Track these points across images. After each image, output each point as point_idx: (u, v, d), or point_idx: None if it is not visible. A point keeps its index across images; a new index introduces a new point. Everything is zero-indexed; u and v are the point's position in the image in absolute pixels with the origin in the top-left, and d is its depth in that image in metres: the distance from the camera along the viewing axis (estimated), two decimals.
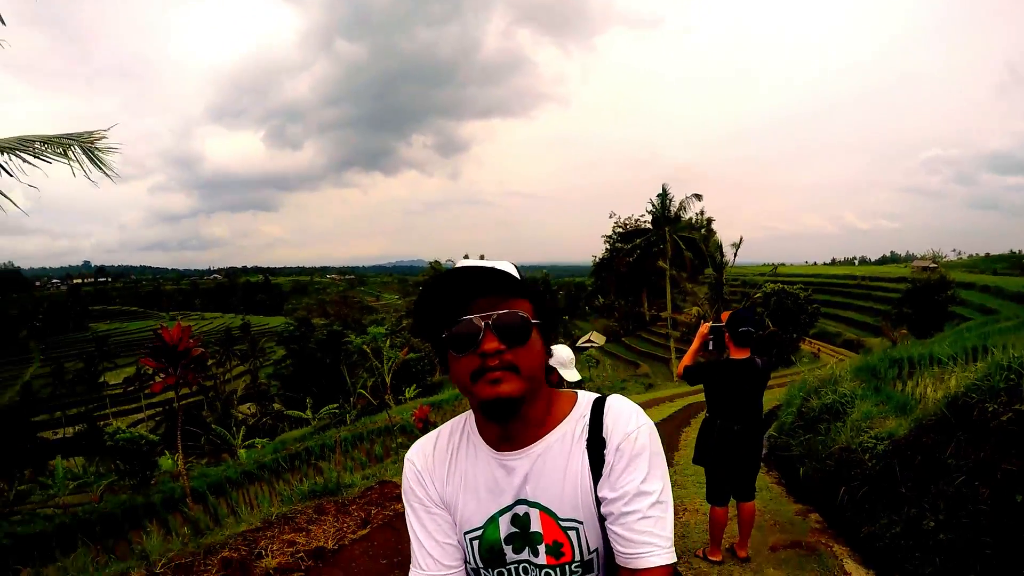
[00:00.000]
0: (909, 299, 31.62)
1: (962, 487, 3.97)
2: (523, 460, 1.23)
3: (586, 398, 1.28)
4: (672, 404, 17.88)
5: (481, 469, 1.27)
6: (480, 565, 1.29)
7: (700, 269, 46.19)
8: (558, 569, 1.23)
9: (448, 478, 1.30)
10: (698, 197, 47.74)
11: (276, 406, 48.01)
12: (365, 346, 24.67)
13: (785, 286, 35.54)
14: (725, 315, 4.69)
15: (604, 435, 1.20)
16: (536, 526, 1.22)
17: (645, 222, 55.67)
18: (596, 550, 1.22)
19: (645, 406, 17.34)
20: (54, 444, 57.91)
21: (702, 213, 61.57)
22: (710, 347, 4.67)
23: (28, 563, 10.38)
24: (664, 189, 49.96)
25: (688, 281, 49.14)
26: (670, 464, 8.58)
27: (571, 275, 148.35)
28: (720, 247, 42.86)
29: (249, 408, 57.00)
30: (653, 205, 52.64)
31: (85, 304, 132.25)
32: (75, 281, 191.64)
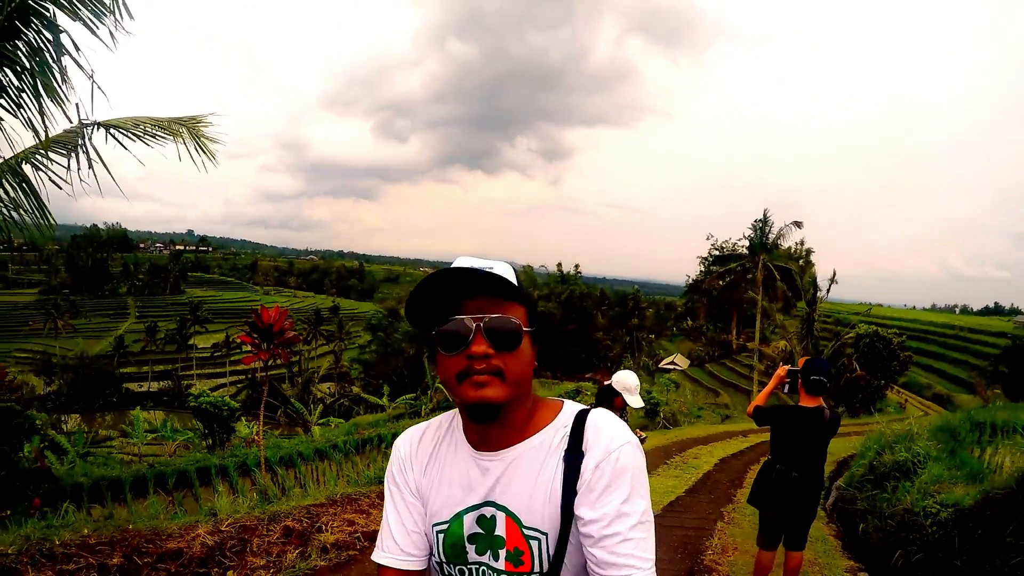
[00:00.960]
0: (1007, 357, 29.84)
1: (1017, 568, 3.76)
2: (497, 463, 1.23)
3: (570, 409, 1.26)
4: (745, 439, 17.40)
5: (458, 465, 1.27)
6: (443, 559, 1.29)
7: (793, 302, 44.82)
8: None
9: (427, 469, 1.31)
10: (798, 225, 46.22)
11: (355, 389, 49.41)
12: None
13: (879, 329, 34.25)
14: (802, 360, 4.71)
15: (583, 448, 1.17)
16: (500, 530, 1.21)
17: (742, 247, 54.39)
18: (556, 565, 1.19)
19: (717, 438, 17.26)
20: (138, 396, 61.63)
21: (802, 243, 59.68)
22: (785, 390, 4.71)
23: (101, 503, 11.09)
24: (765, 215, 48.59)
25: (780, 313, 47.70)
26: (730, 501, 8.51)
27: (662, 293, 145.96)
28: (815, 281, 41.37)
29: (328, 387, 58.62)
30: (751, 230, 51.46)
31: (184, 270, 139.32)
32: (177, 247, 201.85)
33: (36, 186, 4.94)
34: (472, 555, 1.24)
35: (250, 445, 15.99)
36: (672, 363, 55.92)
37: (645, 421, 23.39)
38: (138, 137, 4.91)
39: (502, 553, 1.21)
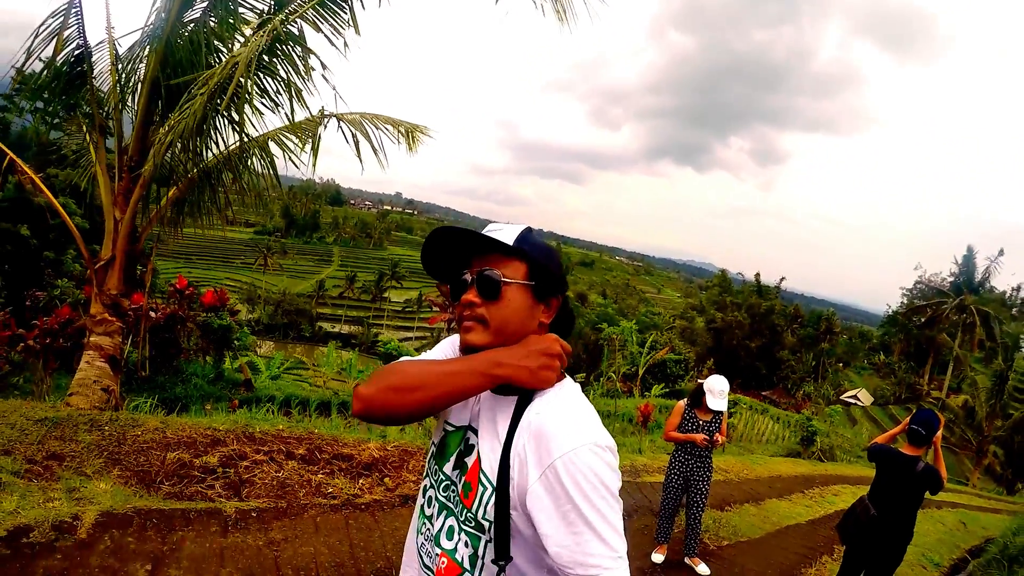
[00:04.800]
0: None
1: None
2: (490, 401, 1.30)
3: (554, 392, 1.26)
4: None
5: None
6: (433, 451, 1.41)
7: (994, 352, 40.18)
8: (461, 508, 1.27)
9: None
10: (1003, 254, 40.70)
11: None
12: (614, 335, 25.32)
13: None
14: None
15: (523, 451, 1.18)
16: (470, 460, 1.28)
17: (949, 282, 49.67)
18: (490, 522, 1.20)
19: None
20: (329, 335, 67.76)
21: (1019, 289, 53.03)
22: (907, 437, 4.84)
23: (288, 416, 13.02)
24: (969, 250, 43.85)
25: (981, 364, 42.89)
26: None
27: (859, 320, 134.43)
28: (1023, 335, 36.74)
29: None
30: (955, 264, 46.68)
31: (389, 228, 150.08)
32: (385, 207, 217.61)
33: (275, 159, 6.56)
34: (448, 468, 1.34)
35: None
36: (855, 397, 51.99)
37: (799, 448, 22.53)
38: (356, 127, 6.35)
39: (462, 480, 1.29)
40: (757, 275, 66.62)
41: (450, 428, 1.37)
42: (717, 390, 5.40)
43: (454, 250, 1.31)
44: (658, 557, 5.79)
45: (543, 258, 1.29)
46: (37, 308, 11.44)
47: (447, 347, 1.48)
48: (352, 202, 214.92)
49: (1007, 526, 9.26)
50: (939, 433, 4.64)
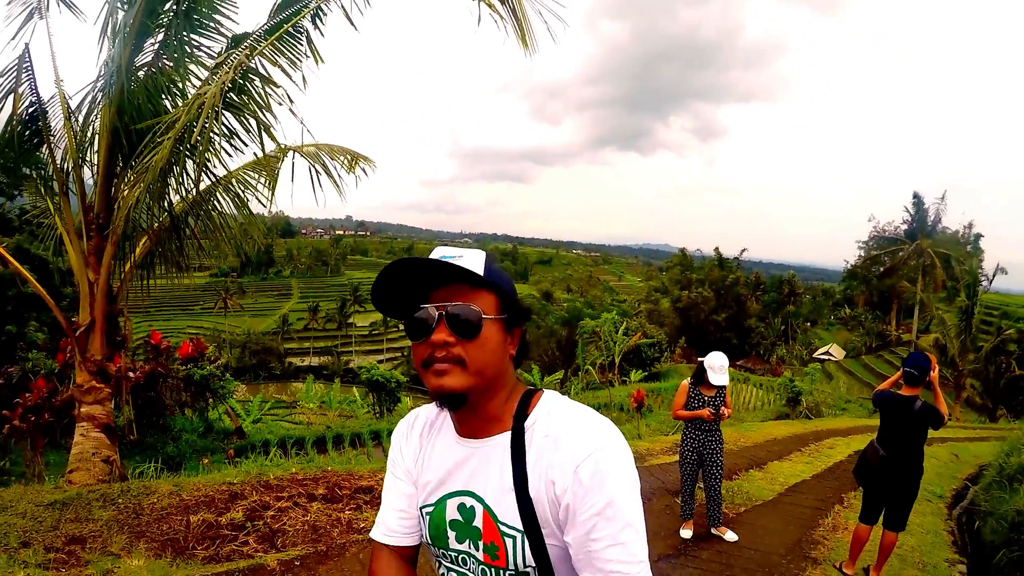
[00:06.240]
0: None
1: None
2: (474, 453, 1.21)
3: (543, 405, 1.20)
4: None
5: (445, 450, 1.27)
6: (429, 541, 1.29)
7: (956, 291, 41.43)
8: (494, 570, 1.18)
9: (419, 450, 1.33)
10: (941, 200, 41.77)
11: None
12: (597, 328, 25.56)
13: None
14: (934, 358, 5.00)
15: (535, 460, 1.13)
16: (478, 522, 1.19)
17: (903, 230, 51.04)
18: (533, 567, 1.14)
19: (858, 431, 16.41)
20: (299, 369, 67.09)
21: (970, 226, 54.67)
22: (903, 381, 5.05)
23: (285, 457, 12.83)
24: (916, 196, 45.10)
25: (944, 303, 44.23)
26: (855, 489, 8.46)
27: (820, 279, 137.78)
28: (980, 269, 37.87)
29: None
30: (907, 212, 48.01)
31: (344, 253, 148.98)
32: (337, 232, 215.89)
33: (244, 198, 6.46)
34: (453, 542, 1.23)
35: None
36: (827, 353, 53.02)
37: (786, 410, 22.97)
38: (314, 159, 6.28)
39: (480, 545, 1.19)
40: (716, 249, 67.71)
41: (429, 508, 1.27)
42: (718, 366, 5.65)
43: (408, 281, 1.16)
44: (686, 533, 5.99)
45: (509, 288, 1.20)
46: (11, 384, 11.02)
47: (403, 438, 1.37)
48: (303, 231, 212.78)
49: (998, 450, 9.59)
50: (934, 373, 4.86)
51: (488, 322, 1.13)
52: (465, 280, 1.14)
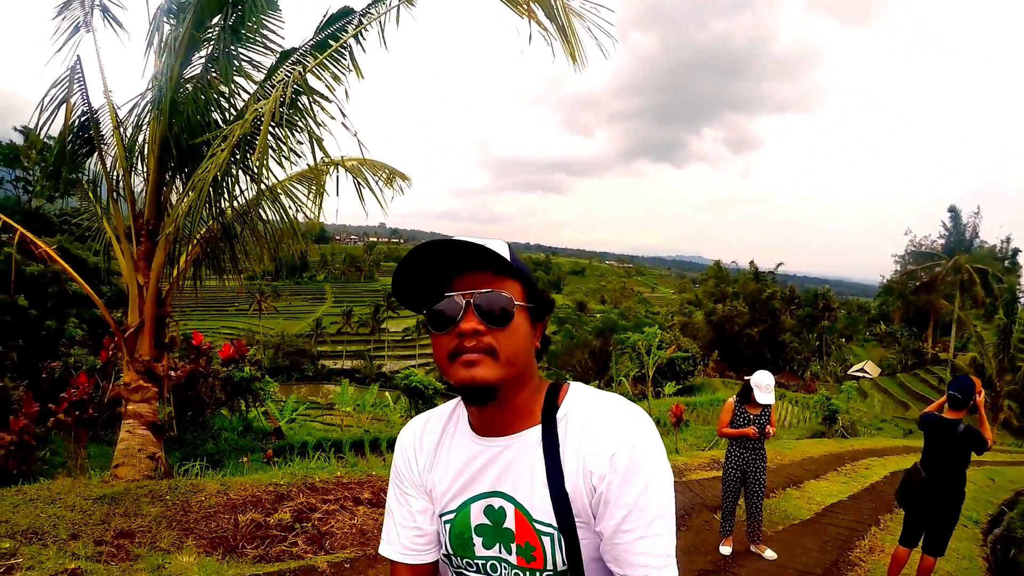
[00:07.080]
0: None
1: None
2: (501, 451, 1.15)
3: (573, 397, 1.16)
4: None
5: (463, 453, 1.20)
6: (451, 551, 1.21)
7: (994, 308, 40.35)
8: (529, 573, 1.13)
9: (435, 457, 1.25)
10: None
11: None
12: (640, 343, 25.48)
13: None
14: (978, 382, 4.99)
15: (569, 449, 1.09)
16: (510, 523, 1.13)
17: (940, 244, 50.00)
18: (576, 562, 1.10)
19: (893, 452, 16.48)
20: (333, 372, 67.84)
21: (1008, 241, 53.31)
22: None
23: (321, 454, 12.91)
24: (953, 209, 44.01)
25: (982, 320, 43.04)
26: (891, 511, 8.48)
27: (856, 294, 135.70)
28: (1019, 286, 36.76)
29: None
30: (943, 227, 46.95)
31: (378, 260, 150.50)
32: (371, 240, 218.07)
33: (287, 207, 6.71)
34: (479, 549, 1.17)
35: None
36: (862, 370, 52.03)
37: (822, 428, 22.65)
38: (356, 172, 6.55)
39: (514, 547, 1.13)
40: (752, 262, 66.92)
41: (450, 515, 1.20)
42: (764, 385, 5.70)
43: (429, 268, 1.11)
44: (726, 549, 6.00)
45: (532, 276, 1.16)
46: (54, 379, 11.35)
47: (412, 449, 1.29)
48: (337, 237, 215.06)
49: None
50: (980, 396, 4.84)
51: (518, 309, 1.09)
52: (491, 267, 1.09)
